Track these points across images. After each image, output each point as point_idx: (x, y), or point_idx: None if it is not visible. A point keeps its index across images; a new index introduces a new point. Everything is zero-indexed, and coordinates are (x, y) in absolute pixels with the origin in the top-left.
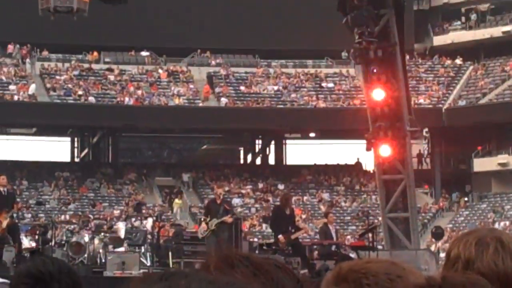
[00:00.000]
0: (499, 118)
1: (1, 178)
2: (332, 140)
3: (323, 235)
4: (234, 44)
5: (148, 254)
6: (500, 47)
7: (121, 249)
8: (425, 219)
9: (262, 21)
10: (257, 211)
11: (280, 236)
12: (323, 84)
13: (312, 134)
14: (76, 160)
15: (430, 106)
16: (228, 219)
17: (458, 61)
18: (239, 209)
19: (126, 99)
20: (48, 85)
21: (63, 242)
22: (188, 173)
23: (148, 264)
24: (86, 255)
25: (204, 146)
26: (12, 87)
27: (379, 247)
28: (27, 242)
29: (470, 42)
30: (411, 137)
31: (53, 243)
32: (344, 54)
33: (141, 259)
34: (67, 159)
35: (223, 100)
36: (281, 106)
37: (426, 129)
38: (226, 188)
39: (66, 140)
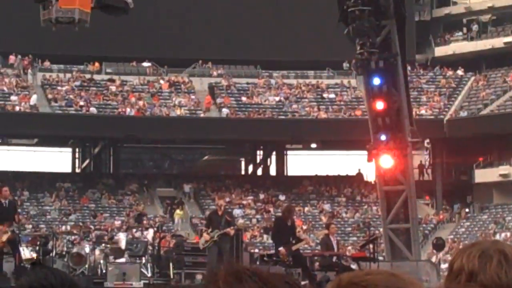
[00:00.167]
0: (500, 129)
1: (4, 190)
2: (333, 151)
3: (324, 246)
4: (235, 55)
5: (149, 265)
6: (502, 58)
7: (122, 260)
8: (426, 230)
9: (264, 32)
10: (258, 222)
11: (281, 249)
12: (325, 95)
13: (313, 145)
14: (77, 170)
15: (432, 117)
16: (231, 231)
17: (460, 72)
18: (240, 220)
19: (128, 109)
20: (50, 96)
21: (64, 253)
22: (189, 184)
23: (149, 275)
24: (86, 266)
25: (206, 157)
26: (13, 97)
27: (380, 258)
28: (27, 253)
29: (471, 53)
30: (412, 148)
31: (53, 253)
32: (345, 65)
33: (142, 270)
34: (68, 169)
35: (225, 111)
36: (283, 117)
37: (428, 140)
38: (227, 199)
39: (68, 151)
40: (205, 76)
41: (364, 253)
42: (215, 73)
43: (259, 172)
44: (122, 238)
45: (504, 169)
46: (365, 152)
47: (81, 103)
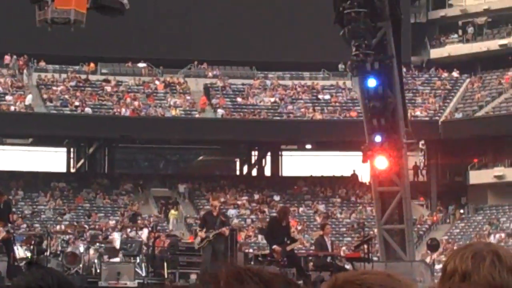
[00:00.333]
0: (495, 130)
1: None
2: (328, 152)
3: (319, 246)
4: (231, 56)
5: (143, 265)
6: (497, 60)
7: (116, 259)
8: (420, 231)
9: (259, 33)
10: (253, 222)
11: (276, 247)
12: (320, 96)
13: (308, 146)
14: (72, 170)
15: (427, 118)
16: (226, 230)
17: (455, 73)
18: (234, 220)
19: (123, 110)
20: (45, 96)
21: (58, 252)
22: (184, 184)
23: (143, 274)
24: (81, 265)
25: (200, 157)
26: (8, 97)
27: (375, 258)
28: (22, 252)
29: (467, 55)
30: (407, 149)
31: (48, 253)
32: (341, 66)
33: (136, 269)
34: (63, 169)
35: (220, 111)
36: (278, 117)
37: (422, 141)
38: (222, 199)
39: (62, 151)
40: (200, 77)
41: (358, 254)
42: (210, 74)
43: (254, 172)
44: (116, 238)
45: (498, 170)
46: (360, 153)
47: (76, 103)
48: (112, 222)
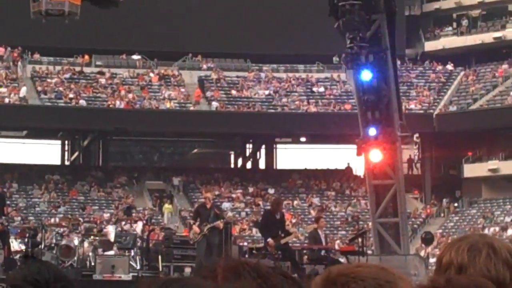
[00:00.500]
0: (489, 124)
1: None
2: (322, 145)
3: (313, 240)
4: (225, 48)
5: (137, 258)
6: (491, 53)
7: (111, 252)
8: (415, 224)
9: (254, 26)
10: (247, 215)
11: (270, 240)
12: (314, 89)
13: (302, 139)
14: (67, 163)
15: (421, 111)
16: (220, 224)
17: (449, 66)
18: (229, 213)
19: (117, 102)
20: (39, 88)
21: (52, 245)
22: (178, 177)
23: (138, 267)
24: (75, 258)
25: (195, 150)
26: (3, 89)
27: (369, 252)
28: (16, 245)
29: (461, 48)
30: (401, 142)
31: (42, 246)
32: (335, 59)
33: (131, 262)
34: (58, 162)
35: (214, 104)
36: (272, 110)
37: (417, 135)
38: (217, 192)
39: (57, 143)
40: (194, 69)
41: (352, 247)
42: (205, 66)
43: (249, 165)
44: (111, 231)
45: (493, 163)
46: (354, 146)
47: (71, 95)
48: (106, 215)
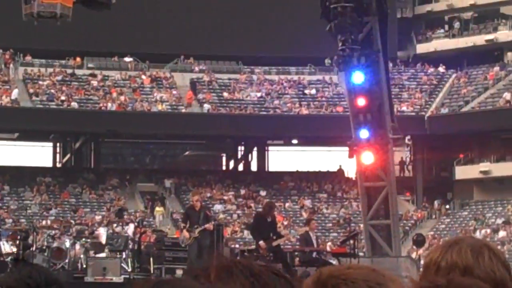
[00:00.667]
0: (481, 126)
1: None
2: (314, 147)
3: (304, 242)
4: (217, 51)
5: (129, 260)
6: (483, 56)
7: (102, 254)
8: (406, 226)
9: (246, 28)
10: (239, 218)
11: (261, 242)
12: (306, 91)
13: (294, 141)
14: (58, 165)
15: (413, 113)
16: (211, 226)
17: (441, 69)
18: (221, 215)
19: (109, 104)
20: (31, 90)
21: (44, 248)
22: (170, 179)
23: (129, 270)
24: (67, 261)
25: (187, 152)
26: None
27: (361, 254)
28: (8, 247)
29: (453, 50)
30: (393, 144)
31: (34, 248)
32: (327, 61)
33: (122, 265)
34: (49, 164)
35: (206, 106)
36: (264, 112)
37: (409, 137)
38: (208, 194)
39: (48, 145)
40: (186, 72)
41: (344, 249)
42: (196, 69)
43: (240, 167)
44: (102, 233)
45: (484, 166)
46: (346, 148)
47: (63, 97)
48: (98, 217)
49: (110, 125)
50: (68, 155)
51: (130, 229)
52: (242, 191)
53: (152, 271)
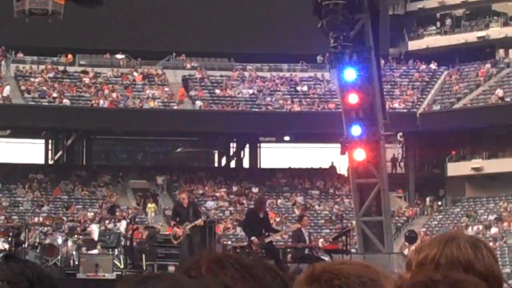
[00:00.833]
0: (473, 123)
1: None
2: (306, 144)
3: (296, 238)
4: (209, 48)
5: (121, 257)
6: (475, 52)
7: (95, 251)
8: (398, 223)
9: (238, 25)
10: (231, 214)
11: (254, 238)
12: (298, 88)
13: (286, 138)
14: (50, 162)
15: (405, 110)
16: (201, 221)
17: (433, 66)
18: (213, 212)
19: (101, 101)
20: (23, 87)
21: (36, 244)
22: (162, 176)
23: (122, 266)
24: (59, 257)
25: (179, 149)
26: None
27: (353, 250)
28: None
29: (445, 47)
30: (385, 141)
31: (26, 245)
32: (319, 58)
33: (115, 261)
34: (41, 161)
35: (198, 103)
36: (256, 109)
37: (401, 133)
38: (200, 191)
39: (40, 142)
40: (178, 69)
41: (336, 246)
42: (188, 66)
43: (232, 164)
44: (94, 230)
45: (476, 162)
46: (338, 145)
47: (54, 94)
48: (90, 214)
49: (102, 122)
50: (60, 152)
51: (122, 225)
52: (234, 188)
53: (144, 268)
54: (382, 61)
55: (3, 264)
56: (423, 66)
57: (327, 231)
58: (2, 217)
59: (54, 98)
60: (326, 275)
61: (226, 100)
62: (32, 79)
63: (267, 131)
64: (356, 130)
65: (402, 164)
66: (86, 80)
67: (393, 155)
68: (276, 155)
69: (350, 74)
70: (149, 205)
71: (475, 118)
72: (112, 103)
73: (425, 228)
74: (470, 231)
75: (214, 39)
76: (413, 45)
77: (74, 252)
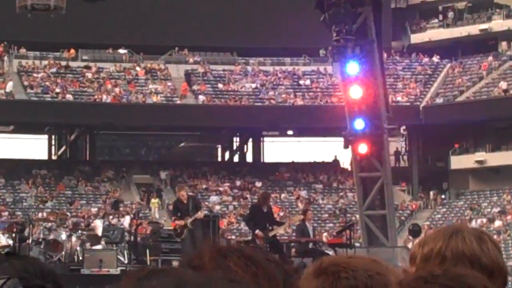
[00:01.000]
0: (476, 115)
1: None
2: (309, 138)
3: (300, 232)
4: (211, 42)
5: (125, 252)
6: (478, 45)
7: (99, 246)
8: (402, 217)
9: (240, 19)
10: (235, 209)
11: (259, 232)
12: (301, 82)
13: (289, 132)
14: (54, 157)
15: (408, 103)
16: (201, 214)
17: (436, 59)
18: (216, 207)
19: (104, 96)
20: (26, 83)
21: (40, 240)
22: (165, 171)
23: (126, 262)
24: (63, 253)
25: (182, 144)
26: None
27: (357, 244)
28: (4, 240)
29: (447, 40)
30: (388, 134)
31: (30, 241)
32: (322, 52)
33: (119, 256)
34: (45, 156)
35: (201, 97)
36: (259, 103)
37: (404, 127)
38: (204, 186)
39: (44, 138)
40: (181, 63)
41: (340, 240)
42: (191, 60)
43: (236, 159)
44: (98, 225)
45: (479, 155)
46: (342, 139)
47: (57, 90)
48: (94, 209)
49: (105, 117)
50: (64, 148)
51: (126, 221)
52: (238, 182)
53: (148, 263)
54: (385, 54)
55: (5, 262)
56: (426, 59)
57: (331, 225)
58: (6, 213)
59: (57, 93)
60: (333, 268)
61: (229, 95)
62: (34, 75)
63: (270, 125)
64: (359, 124)
65: (405, 157)
66: (89, 75)
67: (396, 148)
68: (279, 149)
69: (353, 67)
70: (152, 200)
71: (478, 111)
72: (115, 98)
73: (428, 221)
74: (473, 224)
75: (217, 33)
76: (416, 38)
77: (78, 248)
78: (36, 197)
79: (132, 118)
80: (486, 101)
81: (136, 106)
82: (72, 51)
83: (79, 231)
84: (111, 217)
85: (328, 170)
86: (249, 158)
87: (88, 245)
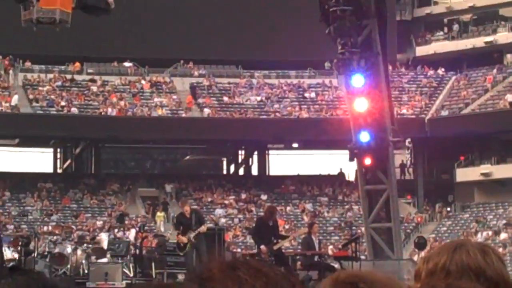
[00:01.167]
0: (481, 128)
1: None
2: (315, 151)
3: (306, 245)
4: (217, 55)
5: (131, 265)
6: (483, 58)
7: (104, 260)
8: (408, 229)
9: (245, 32)
10: (240, 222)
11: (263, 247)
12: (306, 95)
13: (295, 145)
14: (59, 171)
15: (413, 116)
16: (204, 228)
17: (441, 71)
18: (222, 220)
19: (109, 110)
20: (31, 96)
21: (45, 253)
22: (171, 184)
23: (131, 275)
24: (69, 266)
25: (187, 157)
26: None
27: (362, 257)
28: (9, 253)
29: (452, 53)
30: (393, 147)
31: (35, 254)
32: (327, 65)
33: (124, 270)
34: (50, 170)
35: (206, 110)
36: (264, 116)
37: (409, 139)
38: (209, 199)
39: (49, 151)
40: (186, 76)
41: (346, 252)
42: (196, 73)
43: (241, 171)
44: (104, 238)
45: (485, 168)
46: (347, 152)
47: (63, 103)
48: (99, 223)
49: (110, 130)
50: (69, 161)
51: (131, 234)
52: (243, 195)
53: (154, 276)
54: (390, 67)
55: (8, 277)
56: (431, 72)
57: (336, 238)
58: (12, 226)
59: (62, 106)
60: (351, 278)
61: (234, 108)
62: (40, 88)
63: (276, 138)
64: (364, 137)
65: (410, 170)
66: (94, 88)
67: (401, 161)
68: (284, 162)
69: (358, 80)
70: (158, 213)
71: (484, 124)
72: (120, 111)
73: (434, 234)
74: (479, 237)
75: (222, 47)
76: (421, 50)
77: (83, 261)
78: (42, 210)
79: (137, 131)
80: (492, 113)
81: (141, 119)
82: (77, 64)
83: (85, 244)
84: (116, 230)
85: (333, 183)
86: (254, 171)
87: (93, 258)
